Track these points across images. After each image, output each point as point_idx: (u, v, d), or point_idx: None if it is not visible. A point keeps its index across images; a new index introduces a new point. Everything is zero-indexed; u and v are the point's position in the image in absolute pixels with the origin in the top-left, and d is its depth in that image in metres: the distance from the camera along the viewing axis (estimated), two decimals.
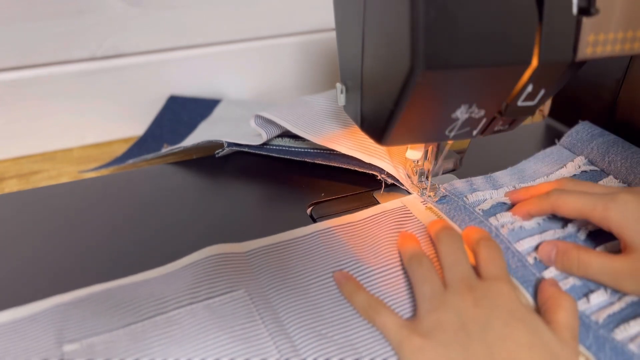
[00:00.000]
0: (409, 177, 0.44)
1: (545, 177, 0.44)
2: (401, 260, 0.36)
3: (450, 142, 0.40)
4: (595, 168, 0.44)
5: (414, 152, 0.41)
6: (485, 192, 0.42)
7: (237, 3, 0.59)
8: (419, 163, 0.42)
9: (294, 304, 0.33)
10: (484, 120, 0.34)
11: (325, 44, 0.66)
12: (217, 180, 0.47)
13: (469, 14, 0.27)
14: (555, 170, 0.45)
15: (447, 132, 0.34)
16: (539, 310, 0.33)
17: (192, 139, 0.52)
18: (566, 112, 0.50)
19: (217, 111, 0.61)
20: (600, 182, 0.42)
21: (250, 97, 0.66)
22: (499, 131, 0.36)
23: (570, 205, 0.35)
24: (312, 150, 0.47)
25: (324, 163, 0.46)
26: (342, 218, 0.40)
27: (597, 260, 0.33)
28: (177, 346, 0.29)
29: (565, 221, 0.39)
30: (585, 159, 0.45)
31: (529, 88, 0.32)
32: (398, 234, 0.38)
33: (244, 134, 0.50)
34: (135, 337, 0.29)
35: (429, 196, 0.42)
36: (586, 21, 0.29)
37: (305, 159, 0.46)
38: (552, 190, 0.37)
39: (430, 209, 0.41)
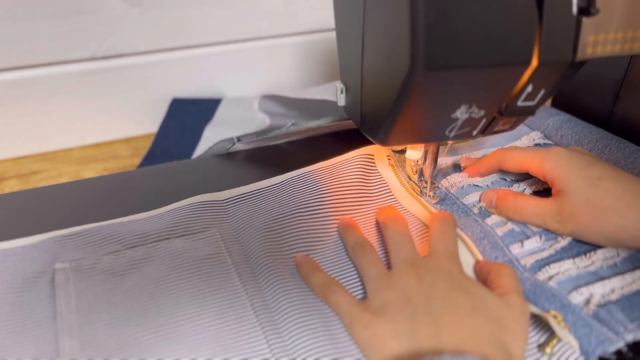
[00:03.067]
0: (409, 177, 0.44)
1: (500, 146, 0.47)
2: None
3: (449, 142, 0.40)
4: (549, 142, 0.48)
5: (414, 152, 0.41)
6: (441, 159, 0.44)
7: (238, 3, 0.59)
8: (419, 163, 0.42)
9: (259, 241, 0.37)
10: (484, 120, 0.34)
11: (325, 44, 0.66)
12: (218, 180, 0.47)
13: (468, 14, 0.27)
14: (512, 142, 0.48)
15: (447, 132, 0.34)
16: (483, 280, 0.34)
17: (202, 149, 0.54)
18: (566, 112, 0.50)
19: (219, 112, 0.61)
20: None
21: (250, 96, 0.66)
22: (499, 131, 0.36)
23: (514, 158, 0.40)
24: (315, 126, 0.48)
25: (329, 129, 0.48)
26: (317, 164, 0.44)
27: (531, 203, 0.37)
28: (152, 268, 0.34)
29: (511, 183, 0.43)
30: (541, 133, 0.49)
31: (529, 88, 0.32)
32: (360, 188, 0.42)
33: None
34: (116, 261, 0.35)
35: (429, 196, 0.42)
36: (586, 21, 0.29)
37: (311, 131, 0.48)
38: (499, 149, 0.42)
39: (392, 166, 0.44)
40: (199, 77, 0.63)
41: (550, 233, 0.38)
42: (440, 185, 0.43)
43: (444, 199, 0.42)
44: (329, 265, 0.36)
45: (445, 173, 0.44)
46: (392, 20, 0.29)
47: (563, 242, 0.37)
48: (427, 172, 0.41)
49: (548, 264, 0.35)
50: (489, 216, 0.40)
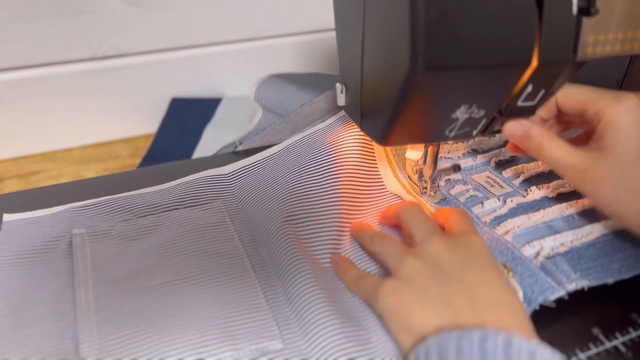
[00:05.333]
0: (409, 177, 0.44)
1: None
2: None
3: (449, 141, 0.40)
4: None
5: (414, 152, 0.41)
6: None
7: (237, 3, 0.59)
8: (419, 163, 0.42)
9: (258, 207, 0.40)
10: (484, 120, 0.34)
11: (325, 44, 0.66)
12: None
13: (469, 15, 0.27)
14: None
15: (447, 132, 0.34)
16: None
17: (203, 150, 0.54)
18: None
19: (219, 112, 0.61)
20: None
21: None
22: (499, 131, 0.36)
23: (575, 96, 0.33)
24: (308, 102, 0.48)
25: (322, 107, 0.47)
26: (315, 127, 0.45)
27: (558, 152, 0.33)
28: (161, 234, 0.37)
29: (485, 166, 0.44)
30: None
31: (529, 88, 0.32)
32: (355, 143, 0.43)
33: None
34: (128, 227, 0.38)
35: (430, 196, 0.42)
36: (586, 21, 0.29)
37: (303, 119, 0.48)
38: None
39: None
40: (199, 77, 0.63)
41: (509, 195, 0.40)
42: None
43: (445, 199, 0.42)
44: (318, 220, 0.38)
45: (445, 174, 0.44)
46: (392, 21, 0.29)
47: (520, 199, 0.39)
48: (427, 172, 0.41)
49: (506, 219, 0.37)
50: (452, 187, 0.42)
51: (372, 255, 0.36)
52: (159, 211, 0.40)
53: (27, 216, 0.39)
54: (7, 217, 0.39)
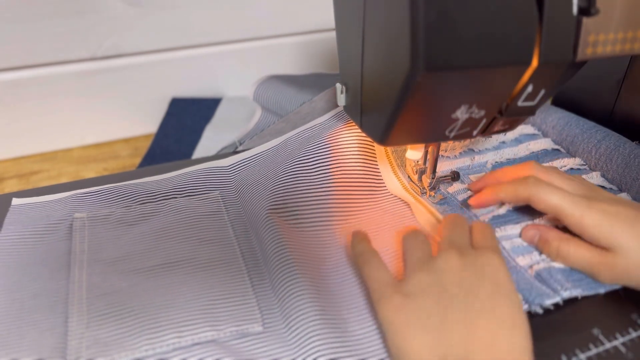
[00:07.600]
0: (409, 177, 0.44)
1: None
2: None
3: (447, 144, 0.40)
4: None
5: (414, 152, 0.41)
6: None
7: (238, 3, 0.59)
8: (419, 163, 0.42)
9: (252, 198, 0.41)
10: (484, 120, 0.34)
11: (325, 44, 0.66)
12: None
13: (469, 15, 0.27)
14: None
15: (447, 132, 0.34)
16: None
17: (203, 150, 0.54)
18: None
19: (219, 112, 0.61)
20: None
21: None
22: (499, 131, 0.36)
23: (549, 202, 0.34)
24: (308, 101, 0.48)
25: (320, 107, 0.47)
26: (314, 121, 0.45)
27: (576, 252, 0.34)
28: (158, 220, 0.39)
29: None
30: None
31: (529, 88, 0.32)
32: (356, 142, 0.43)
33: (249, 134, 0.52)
34: (127, 213, 0.40)
35: (430, 196, 0.42)
36: (586, 21, 0.29)
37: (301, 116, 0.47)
38: (530, 178, 0.36)
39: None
40: (199, 77, 0.63)
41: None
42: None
43: (445, 198, 0.42)
44: (304, 211, 0.39)
45: (443, 182, 0.43)
46: (392, 21, 0.29)
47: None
48: (426, 180, 0.41)
49: (505, 223, 0.38)
50: (450, 185, 0.43)
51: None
52: (158, 199, 0.41)
53: (33, 200, 0.41)
54: (15, 200, 0.41)
